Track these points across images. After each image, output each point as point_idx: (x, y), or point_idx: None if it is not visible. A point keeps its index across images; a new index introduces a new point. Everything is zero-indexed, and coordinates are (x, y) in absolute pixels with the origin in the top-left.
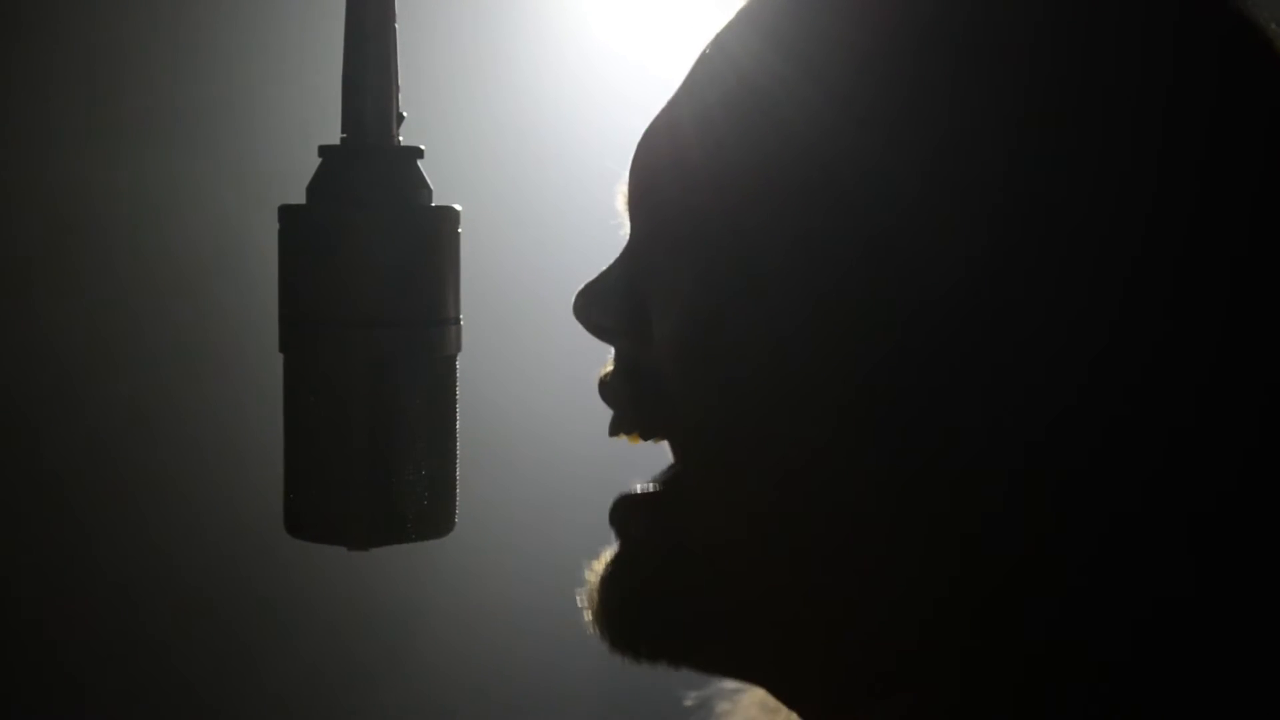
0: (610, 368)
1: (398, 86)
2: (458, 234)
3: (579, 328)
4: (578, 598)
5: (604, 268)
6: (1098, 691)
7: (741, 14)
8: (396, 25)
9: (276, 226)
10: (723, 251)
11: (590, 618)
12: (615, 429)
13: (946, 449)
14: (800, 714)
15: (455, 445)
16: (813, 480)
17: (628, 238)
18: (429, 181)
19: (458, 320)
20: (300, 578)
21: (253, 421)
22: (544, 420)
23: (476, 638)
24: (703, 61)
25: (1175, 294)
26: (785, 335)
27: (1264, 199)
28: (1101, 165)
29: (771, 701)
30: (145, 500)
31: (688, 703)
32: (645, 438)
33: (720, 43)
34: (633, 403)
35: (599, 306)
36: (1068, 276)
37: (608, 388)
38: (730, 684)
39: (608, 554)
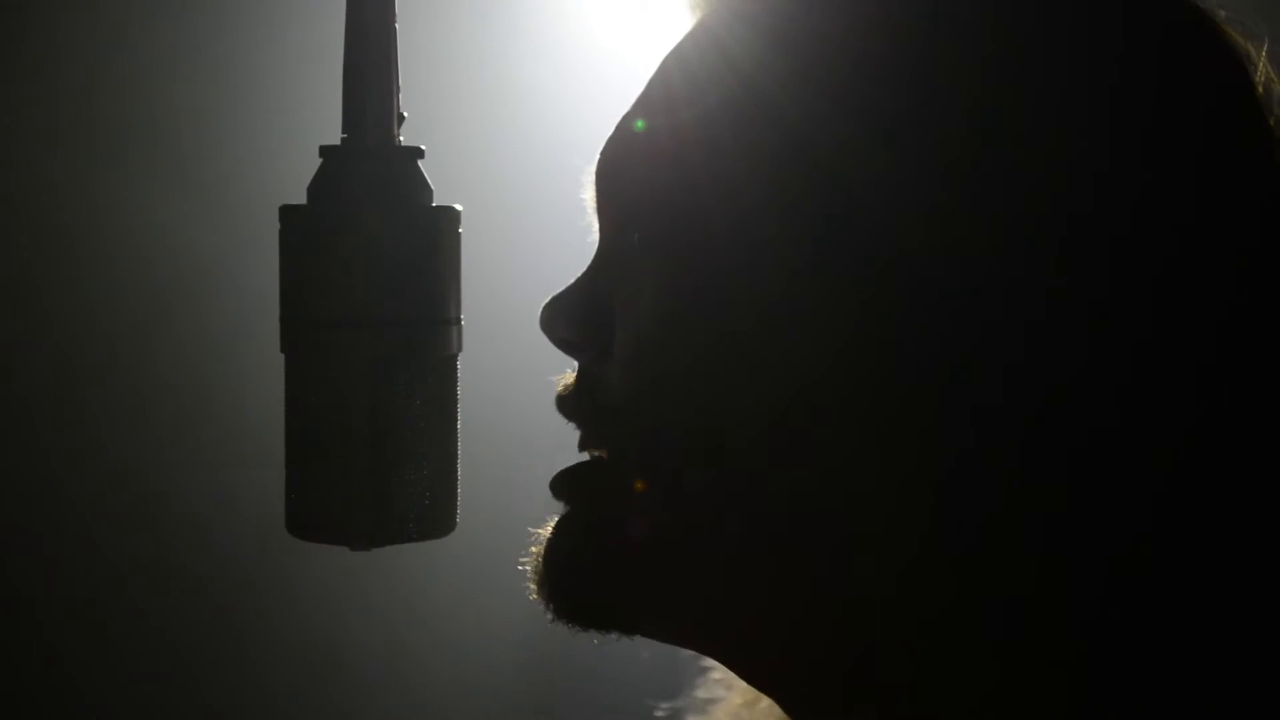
0: (569, 380)
1: (398, 86)
2: (458, 234)
3: None
4: (521, 565)
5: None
6: (1059, 698)
7: (706, 23)
8: (397, 25)
9: (277, 227)
10: (691, 246)
11: (534, 585)
12: (584, 446)
13: (907, 445)
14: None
15: (456, 445)
16: (772, 472)
17: (596, 242)
18: (429, 181)
19: (458, 320)
20: (300, 578)
21: (254, 422)
22: (544, 420)
23: (476, 638)
24: (667, 67)
25: (1154, 287)
26: (753, 325)
27: (1207, 194)
28: (1076, 166)
29: (745, 713)
30: (146, 500)
31: (658, 714)
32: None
33: (695, 43)
34: (588, 415)
35: (563, 319)
36: (1050, 276)
37: (564, 402)
38: (702, 694)
39: (554, 522)
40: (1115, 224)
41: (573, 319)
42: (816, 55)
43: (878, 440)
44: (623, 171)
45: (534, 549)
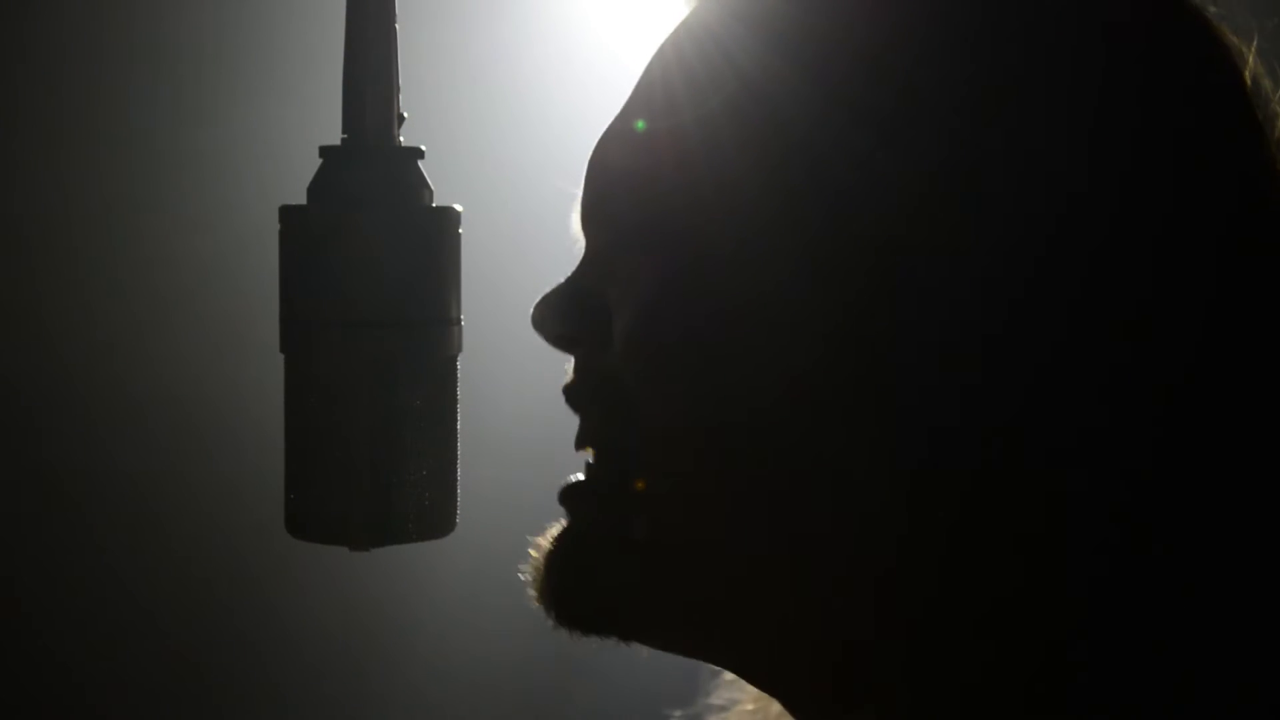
0: (571, 375)
1: (398, 87)
2: (458, 234)
3: None
4: (521, 573)
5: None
6: (1051, 692)
7: (692, 20)
8: (397, 26)
9: (277, 227)
10: (686, 242)
11: (534, 592)
12: (580, 443)
13: (893, 440)
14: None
15: (456, 445)
16: (771, 467)
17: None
18: (429, 182)
19: (458, 321)
20: (300, 578)
21: (254, 422)
22: (544, 421)
23: (476, 638)
24: (650, 71)
25: (1141, 278)
26: (754, 317)
27: (1196, 188)
28: (1066, 165)
29: (758, 716)
30: (146, 500)
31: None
32: (604, 448)
33: (690, 39)
34: (592, 405)
35: (556, 316)
36: (1053, 278)
37: (569, 393)
38: (717, 700)
39: (554, 531)
40: (1104, 220)
41: (565, 315)
42: (813, 53)
43: (866, 436)
44: (617, 168)
45: (533, 556)
